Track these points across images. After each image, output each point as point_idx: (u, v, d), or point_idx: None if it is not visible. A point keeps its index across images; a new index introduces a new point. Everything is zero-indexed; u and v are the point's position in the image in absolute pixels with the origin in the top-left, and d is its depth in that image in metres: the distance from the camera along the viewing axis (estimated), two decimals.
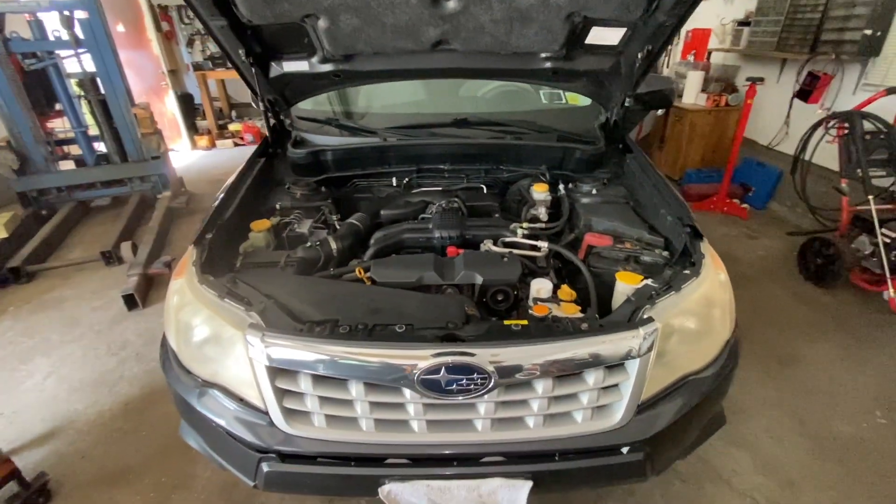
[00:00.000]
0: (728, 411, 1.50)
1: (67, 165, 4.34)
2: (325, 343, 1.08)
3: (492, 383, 1.05)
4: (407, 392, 1.08)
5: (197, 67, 6.58)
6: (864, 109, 2.96)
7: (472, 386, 1.05)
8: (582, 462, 1.14)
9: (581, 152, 2.01)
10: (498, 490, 1.10)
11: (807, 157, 3.27)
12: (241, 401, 1.16)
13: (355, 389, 1.09)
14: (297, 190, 1.91)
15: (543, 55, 1.80)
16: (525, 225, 1.72)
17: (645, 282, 1.35)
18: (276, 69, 1.83)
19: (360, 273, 1.47)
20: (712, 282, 1.32)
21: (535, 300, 1.35)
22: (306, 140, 2.12)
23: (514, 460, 1.14)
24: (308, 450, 1.12)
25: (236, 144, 6.81)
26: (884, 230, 2.76)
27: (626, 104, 1.94)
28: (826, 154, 3.34)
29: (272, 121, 2.09)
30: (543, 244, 1.60)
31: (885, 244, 2.74)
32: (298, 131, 2.14)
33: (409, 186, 2.11)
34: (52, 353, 2.60)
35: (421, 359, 1.04)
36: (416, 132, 2.11)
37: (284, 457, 1.13)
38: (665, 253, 1.57)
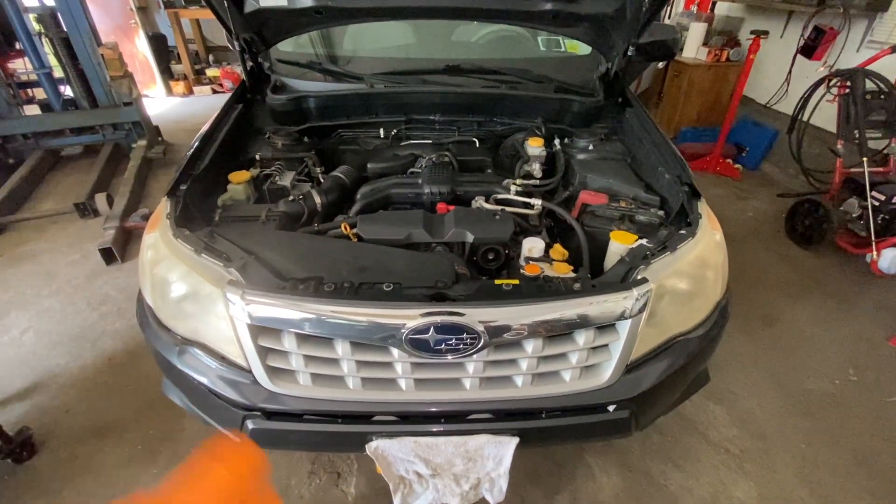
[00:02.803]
0: (709, 367, 1.52)
1: (33, 110, 4.07)
2: (310, 302, 1.04)
3: (481, 343, 1.02)
4: (395, 351, 1.06)
5: (168, 4, 6.09)
6: (868, 68, 2.87)
7: (461, 346, 1.02)
8: (569, 419, 1.15)
9: (579, 104, 1.92)
10: (484, 446, 1.11)
11: (805, 117, 3.20)
12: (222, 359, 1.13)
13: (341, 348, 1.06)
14: (278, 140, 1.80)
15: None
16: (518, 181, 1.66)
17: (639, 241, 1.32)
18: (251, 4, 1.67)
19: (345, 229, 1.41)
20: (707, 242, 1.29)
21: (528, 259, 1.32)
22: (287, 85, 1.98)
23: (501, 417, 1.14)
24: (294, 407, 1.11)
25: (214, 91, 6.45)
26: (874, 193, 2.76)
27: (630, 53, 1.83)
28: (823, 115, 3.27)
29: (249, 63, 1.94)
30: (537, 202, 1.55)
31: (874, 207, 2.74)
32: (278, 76, 2.00)
33: (398, 139, 2.01)
34: (29, 307, 2.53)
35: (409, 318, 1.01)
36: (405, 79, 1.98)
37: (270, 414, 1.12)
38: (660, 212, 1.53)
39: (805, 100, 3.16)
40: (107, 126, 4.17)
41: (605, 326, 1.12)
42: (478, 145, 2.01)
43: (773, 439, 1.89)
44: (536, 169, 1.84)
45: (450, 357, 1.04)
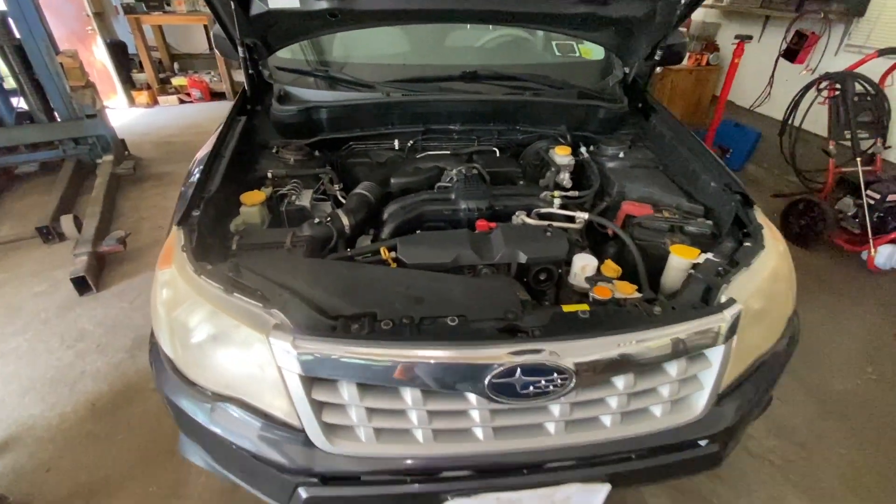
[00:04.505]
0: None
1: None
2: (371, 345, 0.89)
3: (573, 383, 0.91)
4: (472, 397, 0.93)
5: (129, 10, 5.70)
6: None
7: (550, 387, 0.90)
8: (660, 459, 1.04)
9: (605, 111, 1.84)
10: (573, 496, 0.99)
11: (797, 120, 3.27)
12: (266, 416, 0.96)
13: (410, 397, 0.92)
14: (289, 155, 1.63)
15: None
16: (556, 193, 1.56)
17: (704, 256, 1.24)
18: (259, 5, 1.51)
19: (384, 254, 1.27)
20: (777, 254, 1.23)
21: (592, 280, 1.21)
22: (292, 95, 1.81)
23: (589, 463, 1.02)
24: (355, 469, 0.95)
25: (182, 101, 6.09)
26: (868, 191, 2.83)
27: (657, 57, 1.77)
28: (809, 117, 3.35)
29: (250, 71, 1.76)
30: (582, 215, 1.45)
31: (870, 205, 2.81)
32: (281, 84, 1.83)
33: (413, 150, 1.87)
34: None
35: (493, 359, 0.88)
36: (421, 87, 1.85)
37: (327, 479, 0.96)
38: (709, 222, 1.46)
39: (796, 103, 3.23)
40: (67, 141, 3.82)
41: (696, 354, 1.02)
42: (498, 155, 1.90)
43: (813, 446, 1.86)
44: (566, 179, 1.75)
45: (536, 401, 0.92)
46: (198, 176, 1.34)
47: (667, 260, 1.35)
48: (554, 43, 2.23)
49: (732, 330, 1.01)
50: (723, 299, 1.06)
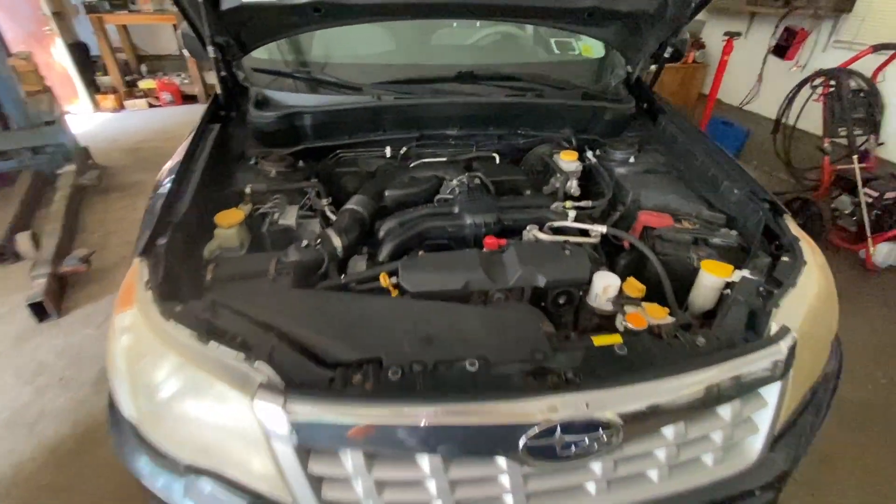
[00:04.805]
0: None
1: None
2: (380, 406, 0.74)
3: (619, 438, 0.77)
4: (501, 461, 0.78)
5: (91, 9, 5.36)
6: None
7: (595, 446, 0.76)
8: None
9: (612, 112, 1.72)
10: None
11: (791, 117, 3.22)
12: (251, 493, 0.79)
13: (429, 465, 0.76)
14: (270, 166, 1.46)
15: None
16: (569, 204, 1.42)
17: (740, 273, 1.12)
18: (230, 0, 1.32)
19: (384, 281, 1.11)
20: (819, 269, 1.11)
21: (619, 303, 1.08)
22: (271, 99, 1.64)
23: None
24: None
25: (151, 105, 5.78)
26: (866, 189, 2.79)
27: (667, 55, 1.66)
28: (802, 115, 3.31)
29: (223, 73, 1.58)
30: (600, 228, 1.32)
31: (868, 204, 2.77)
32: (258, 87, 1.65)
33: (406, 157, 1.71)
34: None
35: (528, 418, 0.73)
36: (414, 89, 1.69)
37: None
38: (733, 232, 1.35)
39: (790, 100, 3.18)
40: (24, 150, 3.52)
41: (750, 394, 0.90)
42: (498, 161, 1.76)
43: (836, 460, 1.78)
44: (574, 187, 1.62)
45: (578, 461, 0.78)
46: (165, 193, 1.16)
47: (694, 276, 1.24)
48: (553, 40, 2.10)
49: (789, 363, 0.89)
50: (773, 326, 0.94)
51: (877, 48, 2.85)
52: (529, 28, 2.24)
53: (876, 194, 2.76)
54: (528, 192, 1.55)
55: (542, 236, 1.28)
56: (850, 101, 2.91)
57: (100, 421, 1.84)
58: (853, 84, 2.91)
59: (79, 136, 3.96)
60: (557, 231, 1.34)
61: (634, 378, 0.80)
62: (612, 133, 1.81)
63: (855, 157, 2.81)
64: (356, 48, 2.03)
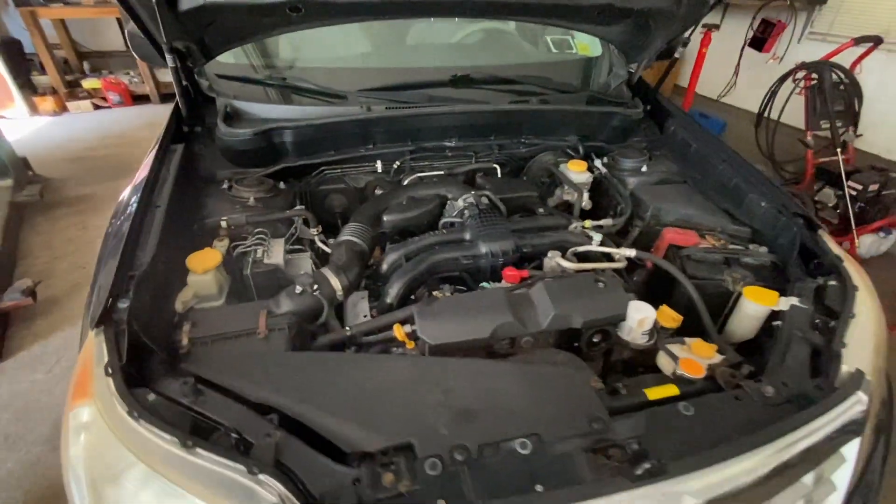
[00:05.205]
0: None
1: None
2: None
3: None
4: None
5: (21, 2, 4.84)
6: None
7: None
8: None
9: (620, 118, 1.60)
10: None
11: (774, 111, 3.22)
12: None
13: None
14: (247, 192, 1.26)
15: None
16: (588, 223, 1.30)
17: (788, 301, 1.02)
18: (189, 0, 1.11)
19: (399, 333, 0.95)
20: (869, 293, 1.03)
21: (659, 338, 0.97)
22: (242, 112, 1.42)
23: None
24: None
25: (98, 107, 5.29)
26: (850, 182, 2.81)
27: (677, 55, 1.55)
28: (780, 108, 3.32)
29: (183, 83, 1.35)
30: (628, 252, 1.19)
31: (851, 196, 2.79)
32: (226, 98, 1.43)
33: (399, 171, 1.54)
34: None
35: None
36: (404, 95, 1.52)
37: None
38: (763, 249, 1.25)
39: (772, 93, 3.18)
40: None
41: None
42: (500, 173, 1.61)
43: None
44: (585, 200, 1.49)
45: None
46: (121, 236, 0.95)
47: (726, 300, 1.14)
48: (549, 38, 1.96)
49: (868, 412, 0.79)
50: (843, 368, 0.84)
51: (858, 41, 2.86)
52: (512, 23, 2.08)
53: (860, 187, 2.79)
54: (541, 209, 1.41)
55: (567, 265, 1.15)
56: (831, 93, 2.92)
57: (57, 486, 1.60)
58: (834, 77, 2.92)
59: (15, 145, 3.54)
60: (584, 257, 1.21)
61: (714, 456, 0.68)
62: (619, 139, 1.69)
63: (839, 149, 2.82)
64: (330, 48, 1.82)
